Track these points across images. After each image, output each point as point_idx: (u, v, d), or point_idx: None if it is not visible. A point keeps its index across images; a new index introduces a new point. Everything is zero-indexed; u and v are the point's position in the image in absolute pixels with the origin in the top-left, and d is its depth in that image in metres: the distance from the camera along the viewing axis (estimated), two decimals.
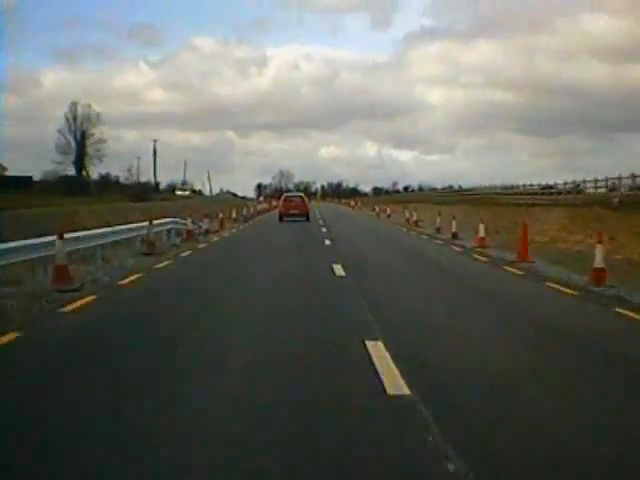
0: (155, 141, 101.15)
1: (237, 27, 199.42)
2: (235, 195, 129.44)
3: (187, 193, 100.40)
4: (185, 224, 22.04)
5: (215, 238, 22.62)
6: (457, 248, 19.16)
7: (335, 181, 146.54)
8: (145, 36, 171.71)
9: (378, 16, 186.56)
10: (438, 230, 26.48)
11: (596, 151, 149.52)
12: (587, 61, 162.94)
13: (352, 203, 74.19)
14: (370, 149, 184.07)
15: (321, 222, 34.67)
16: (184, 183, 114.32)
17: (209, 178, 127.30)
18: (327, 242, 20.35)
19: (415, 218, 32.47)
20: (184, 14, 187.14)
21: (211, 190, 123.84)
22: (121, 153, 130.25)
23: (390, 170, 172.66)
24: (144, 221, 17.42)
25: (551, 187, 43.43)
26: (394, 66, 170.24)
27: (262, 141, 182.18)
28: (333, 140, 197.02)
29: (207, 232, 24.56)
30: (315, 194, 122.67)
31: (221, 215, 28.65)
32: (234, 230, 27.63)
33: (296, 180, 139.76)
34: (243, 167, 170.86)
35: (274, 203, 68.32)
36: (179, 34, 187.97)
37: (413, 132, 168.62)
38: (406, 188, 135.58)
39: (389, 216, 43.64)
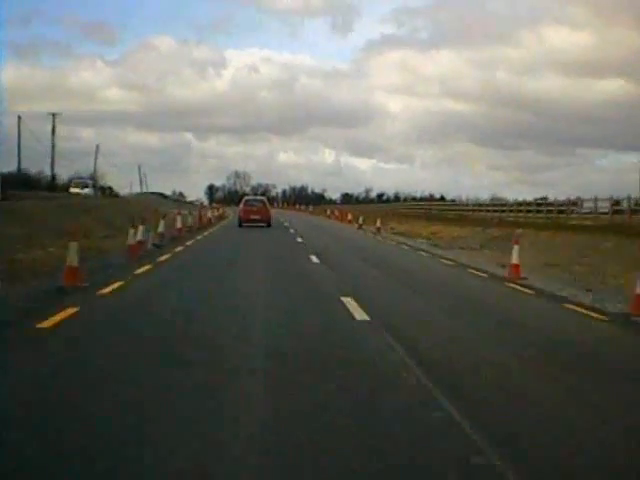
0: (54, 115, 70.09)
1: (196, 28, 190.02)
2: (165, 196, 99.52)
3: (86, 191, 66.96)
4: None
5: None
6: None
7: (297, 185, 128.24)
8: (103, 34, 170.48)
9: (338, 22, 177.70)
10: None
11: (556, 166, 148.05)
12: (548, 75, 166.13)
13: (349, 217, 42.21)
14: (328, 156, 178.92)
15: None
16: (92, 178, 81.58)
17: (142, 175, 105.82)
18: None
19: None
20: (143, 13, 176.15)
21: (147, 187, 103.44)
22: (75, 152, 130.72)
23: (348, 178, 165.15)
24: None
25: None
26: (354, 73, 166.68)
27: (220, 144, 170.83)
28: (291, 145, 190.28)
29: None
30: (275, 199, 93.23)
31: None
32: None
33: (254, 182, 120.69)
34: (200, 169, 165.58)
35: (209, 215, 37.55)
36: (137, 33, 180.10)
37: (372, 140, 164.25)
38: (380, 196, 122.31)
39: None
